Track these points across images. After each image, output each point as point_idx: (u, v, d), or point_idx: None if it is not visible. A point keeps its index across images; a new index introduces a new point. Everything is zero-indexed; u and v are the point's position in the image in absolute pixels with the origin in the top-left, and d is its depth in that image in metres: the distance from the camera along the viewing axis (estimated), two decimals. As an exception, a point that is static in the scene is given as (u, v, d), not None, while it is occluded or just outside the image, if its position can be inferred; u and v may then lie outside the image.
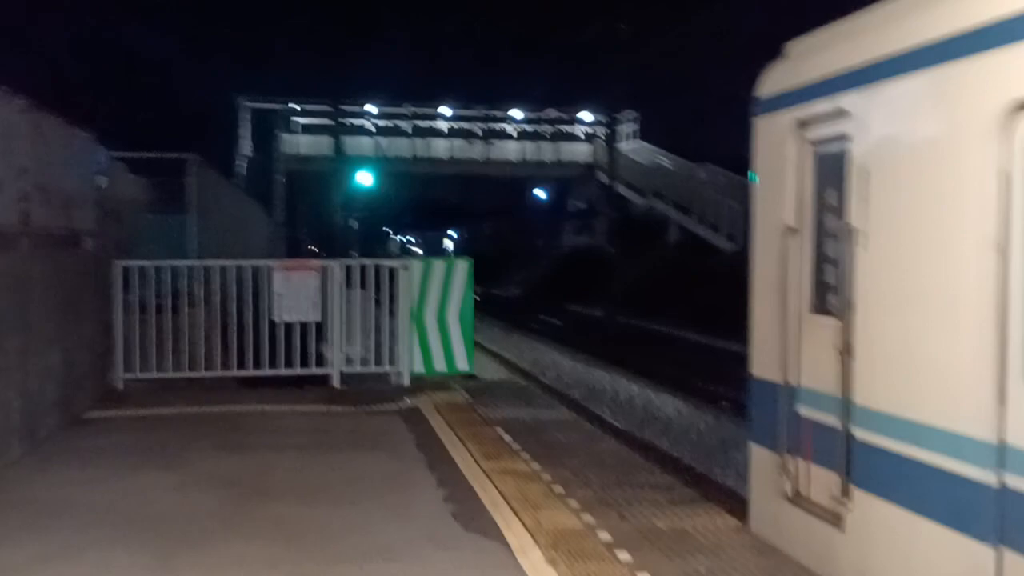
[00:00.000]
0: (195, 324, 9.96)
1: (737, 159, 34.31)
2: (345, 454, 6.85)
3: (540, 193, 51.83)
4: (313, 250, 40.48)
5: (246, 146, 41.05)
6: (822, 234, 4.77)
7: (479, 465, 6.32)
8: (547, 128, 43.70)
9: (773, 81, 5.12)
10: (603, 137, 41.78)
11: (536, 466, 6.33)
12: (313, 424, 8.05)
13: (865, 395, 4.27)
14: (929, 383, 3.82)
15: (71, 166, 8.40)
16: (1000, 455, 3.39)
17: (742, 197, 31.27)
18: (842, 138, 4.43)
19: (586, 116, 43.54)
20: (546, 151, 43.26)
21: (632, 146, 40.98)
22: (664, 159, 38.84)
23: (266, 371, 9.89)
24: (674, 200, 34.59)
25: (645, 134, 41.28)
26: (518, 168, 43.46)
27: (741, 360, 20.03)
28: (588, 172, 43.11)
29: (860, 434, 4.28)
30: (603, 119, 41.85)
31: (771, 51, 5.21)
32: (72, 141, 8.39)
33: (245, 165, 38.78)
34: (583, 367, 19.70)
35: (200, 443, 7.24)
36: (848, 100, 4.32)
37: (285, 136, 41.12)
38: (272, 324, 9.87)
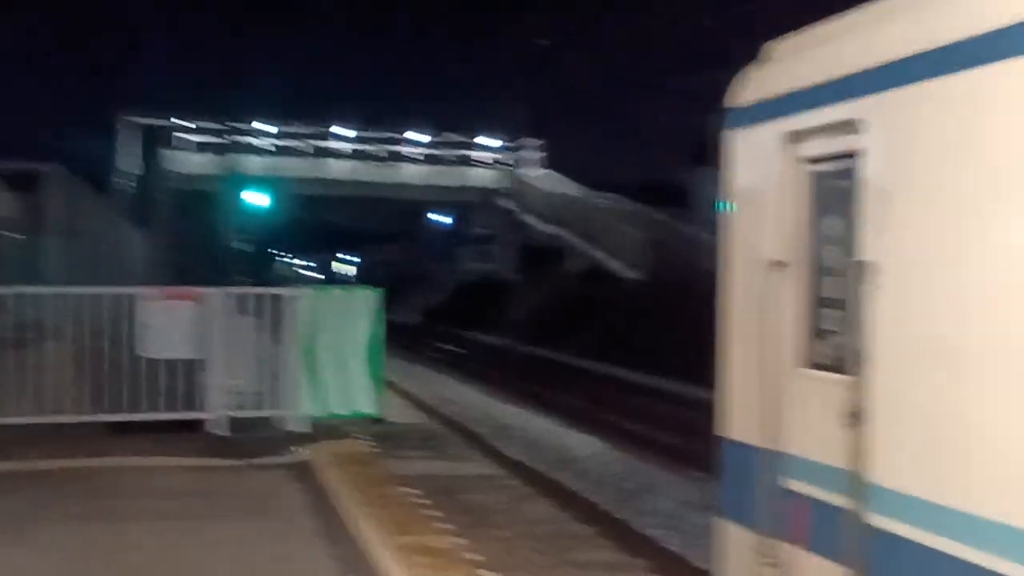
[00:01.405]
0: (53, 361, 8.59)
1: (639, 188, 34.33)
2: (224, 525, 5.69)
3: (441, 218, 50.82)
4: (205, 276, 38.19)
5: (127, 163, 38.73)
6: (819, 271, 3.96)
7: (390, 541, 5.26)
8: (449, 152, 42.83)
9: (753, 87, 4.30)
10: (506, 163, 41.19)
11: (458, 540, 5.32)
12: (188, 483, 6.84)
13: (885, 472, 3.43)
14: (987, 463, 3.00)
15: None
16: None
17: (645, 226, 31.12)
18: (852, 154, 3.62)
19: (490, 142, 42.90)
20: (448, 176, 42.33)
21: (536, 173, 40.50)
22: (567, 187, 38.50)
23: (136, 415, 8.59)
24: (577, 228, 34.18)
25: (549, 162, 40.90)
26: (418, 192, 42.36)
27: (647, 392, 19.17)
28: (490, 198, 42.40)
29: (880, 521, 3.44)
30: (507, 145, 41.28)
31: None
32: None
33: (125, 183, 36.50)
34: (490, 400, 18.77)
35: (47, 510, 6.01)
36: (864, 107, 3.51)
37: (170, 153, 38.97)
38: (146, 361, 8.59)
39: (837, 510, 3.64)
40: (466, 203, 44.87)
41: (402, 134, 42.06)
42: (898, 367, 3.38)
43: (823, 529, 3.75)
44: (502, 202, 40.32)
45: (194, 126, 39.81)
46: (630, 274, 29.78)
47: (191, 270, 38.62)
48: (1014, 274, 2.91)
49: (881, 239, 3.43)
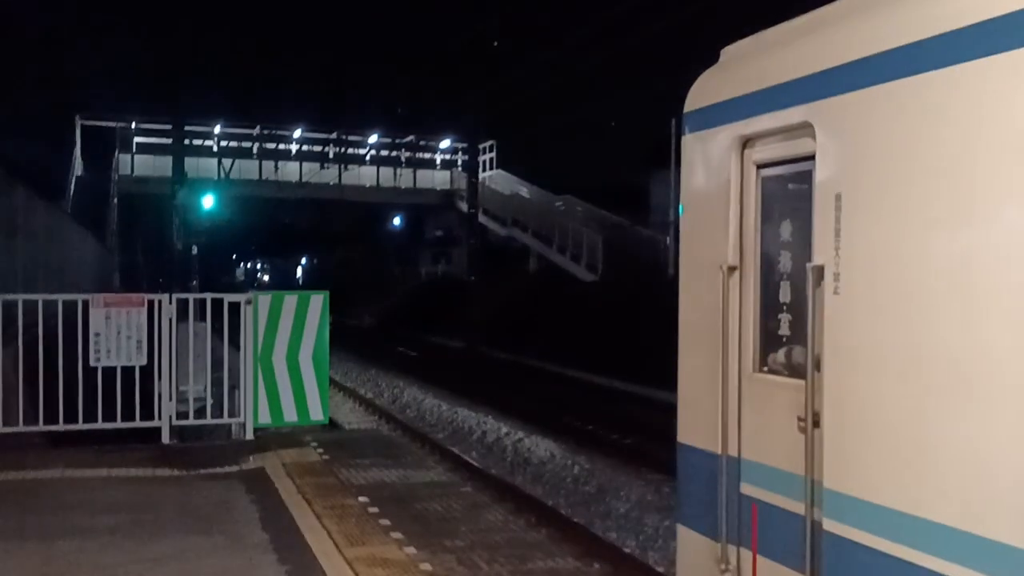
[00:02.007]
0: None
1: (598, 191, 34.46)
2: (171, 540, 5.51)
3: (397, 220, 50.51)
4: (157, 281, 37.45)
5: (79, 166, 37.96)
6: (773, 275, 3.92)
7: (341, 553, 5.14)
8: (405, 154, 42.60)
9: (708, 92, 4.26)
10: (462, 165, 41.08)
11: (412, 551, 5.22)
12: (134, 495, 6.63)
13: (839, 477, 3.40)
14: (941, 468, 2.97)
15: None
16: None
17: (603, 228, 31.22)
18: (804, 158, 3.59)
19: (445, 143, 42.74)
20: (403, 177, 42.12)
21: (491, 174, 40.46)
22: (523, 188, 38.52)
23: (81, 425, 8.34)
24: (534, 229, 34.19)
25: (506, 164, 40.85)
26: (373, 194, 42.09)
27: (605, 393, 19.20)
28: (447, 199, 42.27)
29: (832, 525, 3.41)
30: (462, 146, 41.16)
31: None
32: None
33: (76, 187, 35.76)
34: (446, 405, 18.62)
35: (-21, 528, 5.74)
36: (816, 111, 3.48)
37: (122, 156, 38.29)
38: (90, 369, 8.34)
39: (794, 515, 3.61)
40: (423, 205, 44.69)
41: (357, 136, 41.74)
42: (852, 372, 3.35)
43: (780, 535, 3.72)
44: (459, 204, 40.22)
45: (146, 128, 39.16)
46: (588, 276, 29.85)
47: (144, 274, 37.92)
48: (966, 277, 2.89)
49: (834, 243, 3.40)
